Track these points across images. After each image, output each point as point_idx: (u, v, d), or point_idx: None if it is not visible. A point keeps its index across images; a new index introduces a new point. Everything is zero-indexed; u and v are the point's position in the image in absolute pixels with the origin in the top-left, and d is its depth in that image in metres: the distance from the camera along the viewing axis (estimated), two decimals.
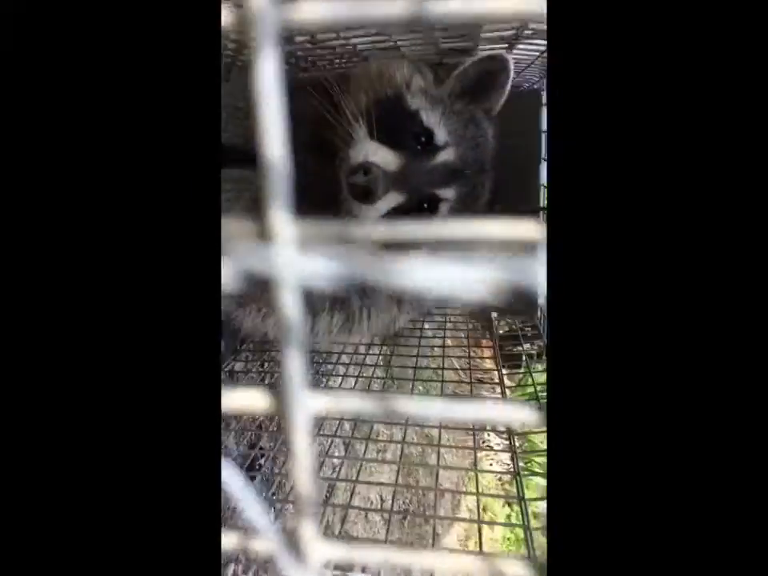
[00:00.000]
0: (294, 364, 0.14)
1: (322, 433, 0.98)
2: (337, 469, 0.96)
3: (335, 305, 0.87)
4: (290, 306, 0.14)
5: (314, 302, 0.86)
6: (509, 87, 0.75)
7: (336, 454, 0.97)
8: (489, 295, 0.13)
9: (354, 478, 0.86)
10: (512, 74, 0.72)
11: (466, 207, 0.84)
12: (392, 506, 0.95)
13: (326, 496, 1.12)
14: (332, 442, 0.91)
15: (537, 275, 0.13)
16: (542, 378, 1.17)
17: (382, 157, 0.70)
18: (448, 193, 0.78)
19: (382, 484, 1.12)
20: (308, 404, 0.15)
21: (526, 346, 1.26)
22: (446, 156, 0.76)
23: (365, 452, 0.94)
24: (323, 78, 0.78)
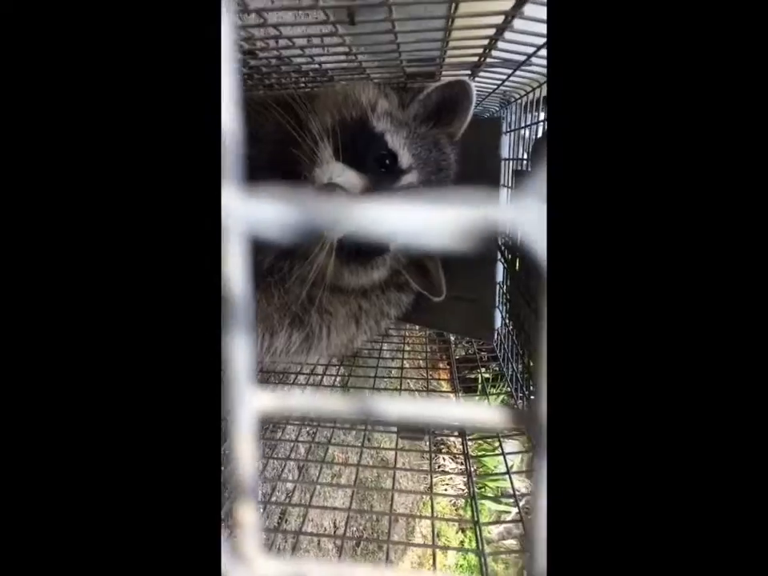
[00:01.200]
0: (240, 353, 0.13)
1: (275, 456, 0.95)
2: (289, 494, 0.93)
3: (294, 323, 0.86)
4: (237, 268, 0.13)
5: (273, 319, 0.84)
6: (471, 113, 0.77)
7: (290, 477, 0.94)
8: (454, 240, 0.12)
9: (307, 503, 0.84)
10: (474, 100, 0.74)
11: None
12: (345, 531, 0.92)
13: (278, 522, 1.09)
14: (285, 465, 0.89)
15: (501, 220, 0.13)
16: (496, 401, 1.18)
17: (347, 179, 0.70)
18: None
19: (335, 509, 1.09)
20: (252, 402, 0.14)
21: (482, 369, 1.27)
22: (409, 179, 0.77)
23: (319, 476, 0.91)
24: (289, 96, 0.77)
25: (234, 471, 0.16)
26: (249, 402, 0.15)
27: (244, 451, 0.16)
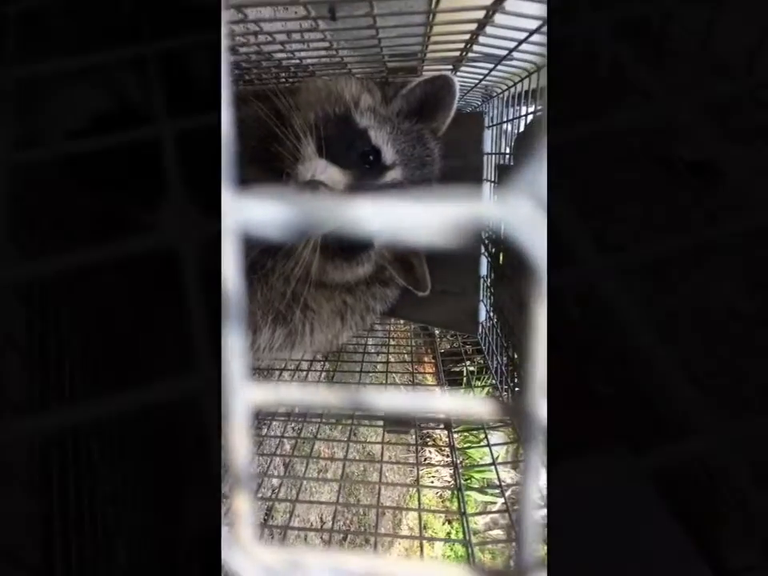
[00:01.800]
0: (233, 345, 0.14)
1: (261, 452, 0.95)
2: (275, 490, 0.93)
3: (277, 319, 0.85)
4: (230, 264, 0.13)
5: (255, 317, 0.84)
6: (455, 108, 0.77)
7: (275, 473, 0.94)
8: (439, 237, 0.13)
9: (293, 499, 0.84)
10: (457, 95, 0.74)
11: None
12: (332, 526, 0.93)
13: (264, 518, 1.09)
14: (271, 462, 0.89)
15: (487, 217, 0.13)
16: (482, 393, 1.20)
17: (330, 175, 0.70)
18: None
19: (321, 503, 1.09)
20: (246, 393, 0.14)
21: (467, 363, 1.29)
22: (393, 175, 0.77)
23: (305, 471, 0.92)
24: (270, 90, 0.77)
25: (228, 462, 0.17)
26: (242, 393, 0.16)
27: (238, 442, 0.16)
